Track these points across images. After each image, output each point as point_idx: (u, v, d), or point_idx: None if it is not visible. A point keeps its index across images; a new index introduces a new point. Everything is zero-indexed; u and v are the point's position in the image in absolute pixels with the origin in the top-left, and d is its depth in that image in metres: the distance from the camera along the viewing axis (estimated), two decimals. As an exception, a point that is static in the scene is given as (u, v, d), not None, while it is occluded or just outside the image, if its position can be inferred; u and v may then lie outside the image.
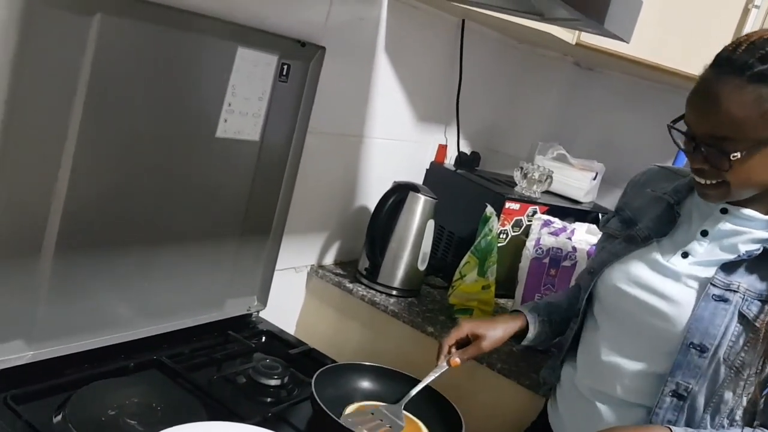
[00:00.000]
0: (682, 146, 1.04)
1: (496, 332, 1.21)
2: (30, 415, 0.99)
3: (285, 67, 1.35)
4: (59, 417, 1.01)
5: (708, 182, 1.01)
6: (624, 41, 1.20)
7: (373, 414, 1.16)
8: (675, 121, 1.04)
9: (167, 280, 1.30)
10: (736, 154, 0.94)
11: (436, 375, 1.18)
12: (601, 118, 2.16)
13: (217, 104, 1.24)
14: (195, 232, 1.32)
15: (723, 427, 1.04)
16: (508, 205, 1.75)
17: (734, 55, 0.95)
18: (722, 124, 0.94)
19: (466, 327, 1.21)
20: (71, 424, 0.99)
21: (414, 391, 1.19)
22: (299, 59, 1.38)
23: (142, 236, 1.22)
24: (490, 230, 1.58)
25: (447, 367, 1.18)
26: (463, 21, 1.88)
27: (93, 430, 0.99)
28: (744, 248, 1.04)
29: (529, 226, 1.77)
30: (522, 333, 1.26)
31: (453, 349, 1.20)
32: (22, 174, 1.01)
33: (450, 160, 2.09)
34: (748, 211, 1.05)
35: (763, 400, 1.04)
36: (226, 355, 1.35)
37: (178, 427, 0.95)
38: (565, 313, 1.29)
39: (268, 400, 1.23)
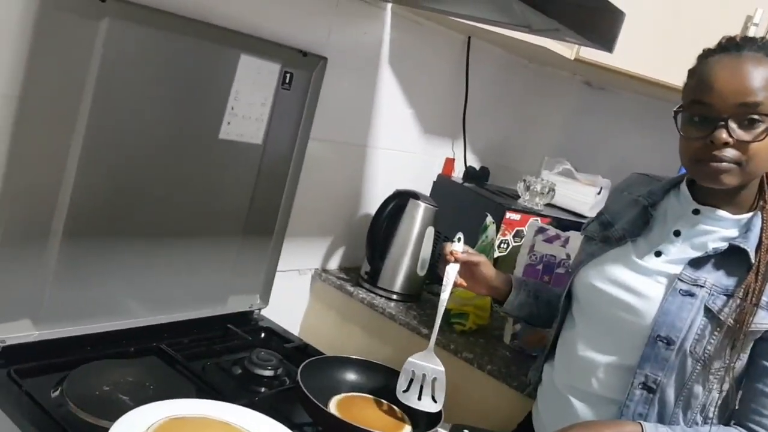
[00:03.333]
0: (687, 133, 1.05)
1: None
2: (31, 387, 1.06)
3: (288, 75, 1.43)
4: (57, 392, 1.09)
5: (726, 161, 1.02)
6: (607, 51, 1.24)
7: (413, 377, 1.18)
8: (679, 108, 1.08)
9: (171, 272, 1.37)
10: None
11: (447, 292, 1.21)
12: (611, 137, 2.18)
13: (221, 108, 1.32)
14: (198, 228, 1.39)
15: (696, 423, 1.06)
16: (508, 215, 1.79)
17: (738, 42, 1.05)
18: (754, 90, 0.99)
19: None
20: (67, 397, 1.06)
21: (437, 321, 1.20)
22: (302, 68, 1.45)
23: (147, 230, 1.30)
24: (487, 237, 1.63)
25: (453, 281, 1.22)
26: (469, 38, 1.94)
27: (86, 403, 1.05)
28: (712, 246, 1.07)
29: (530, 237, 1.80)
30: (506, 297, 1.32)
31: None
32: (33, 163, 1.09)
33: (459, 173, 2.14)
34: (720, 212, 1.08)
35: (738, 398, 1.06)
36: (224, 347, 1.41)
37: (162, 402, 1.01)
38: (554, 296, 1.33)
39: (261, 389, 1.29)
